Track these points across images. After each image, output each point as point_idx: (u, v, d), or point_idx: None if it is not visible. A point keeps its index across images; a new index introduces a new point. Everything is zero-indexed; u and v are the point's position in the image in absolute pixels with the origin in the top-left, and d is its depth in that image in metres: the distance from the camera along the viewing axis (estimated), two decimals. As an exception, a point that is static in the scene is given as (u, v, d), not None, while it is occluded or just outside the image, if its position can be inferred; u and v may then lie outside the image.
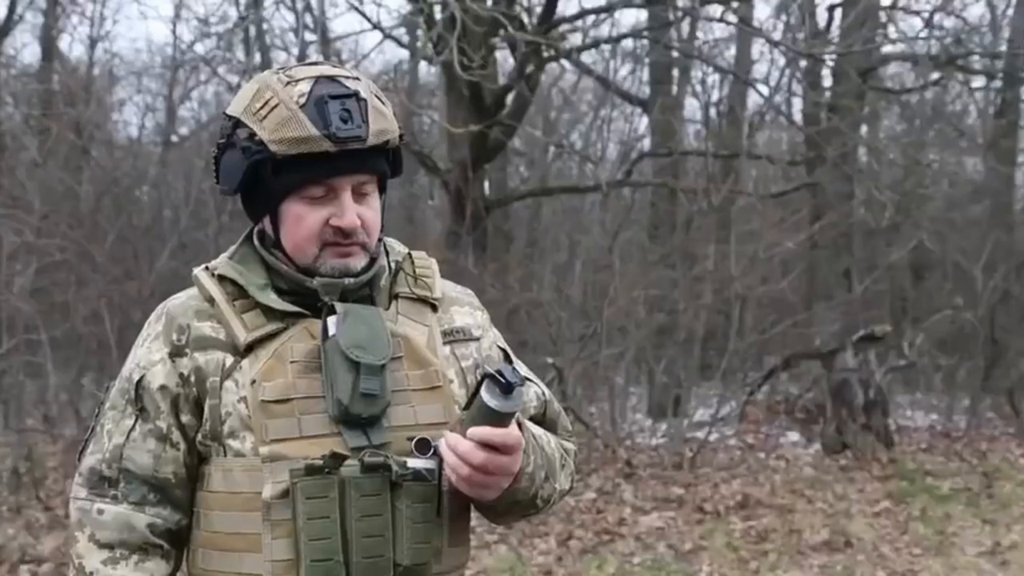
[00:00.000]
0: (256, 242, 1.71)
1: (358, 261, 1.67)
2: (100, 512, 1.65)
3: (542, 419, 1.82)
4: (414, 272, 1.76)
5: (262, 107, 1.60)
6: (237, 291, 1.67)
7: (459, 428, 1.58)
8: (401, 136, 1.68)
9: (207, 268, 1.72)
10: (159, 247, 9.95)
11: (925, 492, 7.94)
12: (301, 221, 1.63)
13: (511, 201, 11.56)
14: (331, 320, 1.62)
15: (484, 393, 1.53)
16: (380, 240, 1.73)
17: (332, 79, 1.61)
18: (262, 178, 1.63)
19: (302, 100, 1.59)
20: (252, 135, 1.60)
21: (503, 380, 1.52)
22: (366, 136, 1.59)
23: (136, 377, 1.67)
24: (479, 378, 1.57)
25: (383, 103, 1.65)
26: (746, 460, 8.96)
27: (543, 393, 1.84)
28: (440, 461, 1.60)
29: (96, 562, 1.63)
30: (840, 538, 6.68)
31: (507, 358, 1.81)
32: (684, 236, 10.44)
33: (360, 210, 1.64)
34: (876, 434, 9.22)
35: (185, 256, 10.57)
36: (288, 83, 1.61)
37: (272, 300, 1.65)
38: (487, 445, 1.54)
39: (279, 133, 1.58)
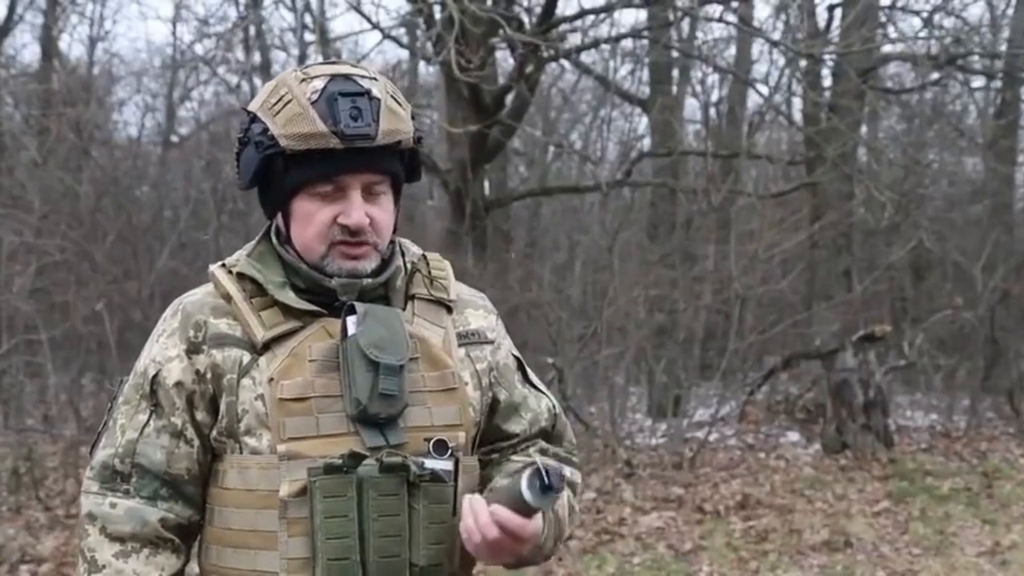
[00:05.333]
0: (274, 239, 1.72)
1: (368, 263, 1.66)
2: (112, 506, 1.65)
3: (550, 432, 1.82)
4: (429, 273, 1.76)
5: (277, 103, 1.62)
6: (255, 289, 1.67)
7: (489, 495, 1.58)
8: (419, 139, 1.68)
9: (224, 265, 1.72)
10: (159, 247, 9.96)
11: (925, 492, 7.93)
12: (310, 218, 1.64)
13: (511, 201, 11.56)
14: (350, 320, 1.62)
15: (524, 483, 1.51)
16: (393, 242, 1.72)
17: (347, 77, 1.62)
18: (275, 173, 1.64)
19: (314, 96, 1.60)
20: (265, 130, 1.62)
21: (546, 481, 1.49)
22: (375, 135, 1.59)
23: (152, 372, 1.67)
24: (528, 466, 1.54)
25: (400, 104, 1.64)
26: (746, 460, 8.96)
27: (554, 407, 1.83)
28: (456, 462, 1.61)
29: (108, 555, 1.63)
30: (840, 538, 6.68)
31: (520, 367, 1.81)
32: (684, 236, 10.44)
33: (370, 210, 1.64)
34: (876, 434, 9.22)
35: (185, 256, 10.60)
36: (303, 80, 1.63)
37: (290, 298, 1.65)
38: (504, 527, 1.54)
39: (289, 128, 1.60)
